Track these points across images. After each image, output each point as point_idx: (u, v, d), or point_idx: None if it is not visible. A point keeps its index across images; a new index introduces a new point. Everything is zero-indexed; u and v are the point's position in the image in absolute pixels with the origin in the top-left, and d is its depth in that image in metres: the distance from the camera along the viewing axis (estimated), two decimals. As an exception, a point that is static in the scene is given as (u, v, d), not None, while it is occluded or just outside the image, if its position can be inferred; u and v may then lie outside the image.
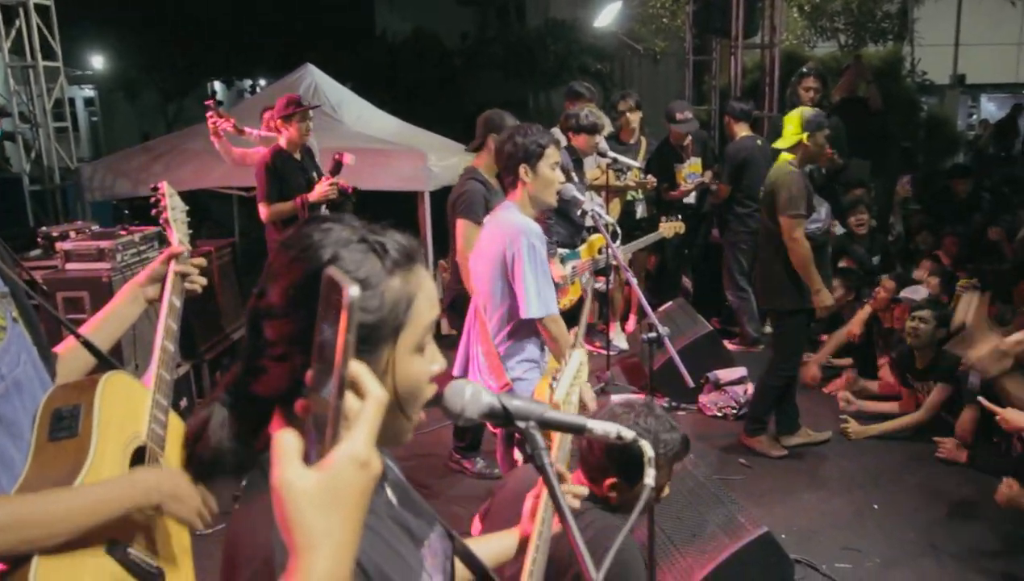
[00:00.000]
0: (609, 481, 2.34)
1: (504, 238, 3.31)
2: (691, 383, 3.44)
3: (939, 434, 5.10)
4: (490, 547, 1.64)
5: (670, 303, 6.57)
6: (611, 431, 1.33)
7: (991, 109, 17.44)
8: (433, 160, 7.22)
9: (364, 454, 0.84)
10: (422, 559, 1.23)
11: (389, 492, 1.25)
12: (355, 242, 1.10)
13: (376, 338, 1.08)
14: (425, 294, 1.14)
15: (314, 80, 7.97)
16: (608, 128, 6.38)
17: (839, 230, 7.05)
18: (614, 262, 4.41)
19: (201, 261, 2.06)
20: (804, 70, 7.20)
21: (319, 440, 0.84)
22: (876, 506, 4.54)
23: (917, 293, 5.95)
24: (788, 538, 3.96)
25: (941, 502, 4.57)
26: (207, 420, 1.13)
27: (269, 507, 0.87)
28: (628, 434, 1.33)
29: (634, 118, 6.75)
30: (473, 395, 1.24)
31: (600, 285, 5.18)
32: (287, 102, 5.37)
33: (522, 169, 3.30)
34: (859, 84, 8.64)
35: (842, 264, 6.89)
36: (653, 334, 3.35)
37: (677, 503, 3.73)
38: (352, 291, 0.81)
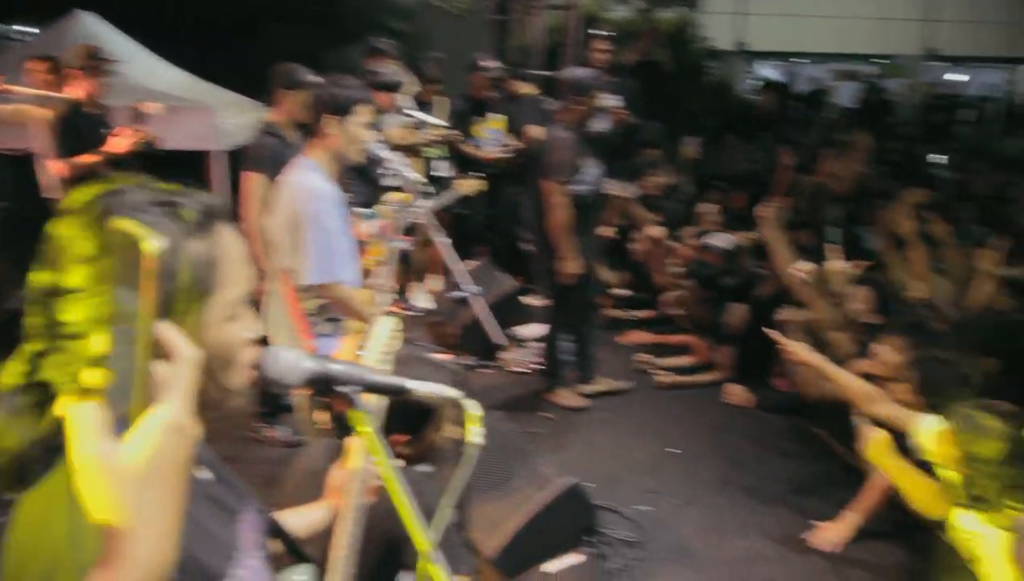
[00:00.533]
0: (400, 438, 2.32)
1: (295, 201, 3.20)
2: (499, 340, 3.44)
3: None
4: (302, 521, 1.58)
5: (473, 262, 6.59)
6: (434, 391, 1.31)
7: (768, 75, 18.66)
8: (225, 117, 6.86)
9: (179, 418, 0.78)
10: (238, 535, 1.16)
11: (203, 469, 1.16)
12: (152, 205, 0.99)
13: (180, 303, 0.97)
14: (232, 257, 1.06)
15: (87, 29, 7.33)
16: (412, 87, 6.28)
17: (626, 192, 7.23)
18: (419, 221, 4.35)
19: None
20: (595, 32, 7.36)
21: (125, 410, 0.77)
22: (672, 450, 4.77)
23: (722, 240, 6.22)
24: (593, 486, 4.09)
25: (731, 442, 4.88)
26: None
27: (58, 493, 0.79)
28: (452, 393, 1.32)
29: (435, 74, 6.71)
30: (293, 361, 1.18)
31: (404, 244, 5.10)
32: (88, 53, 5.00)
33: (332, 121, 3.17)
34: (654, 48, 8.95)
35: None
36: (459, 293, 3.33)
37: (484, 459, 3.75)
38: (153, 247, 0.75)
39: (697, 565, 3.75)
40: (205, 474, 1.16)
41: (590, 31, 7.42)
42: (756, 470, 4.57)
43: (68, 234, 1.00)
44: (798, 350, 3.93)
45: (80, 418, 0.76)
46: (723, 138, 8.90)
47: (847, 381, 3.71)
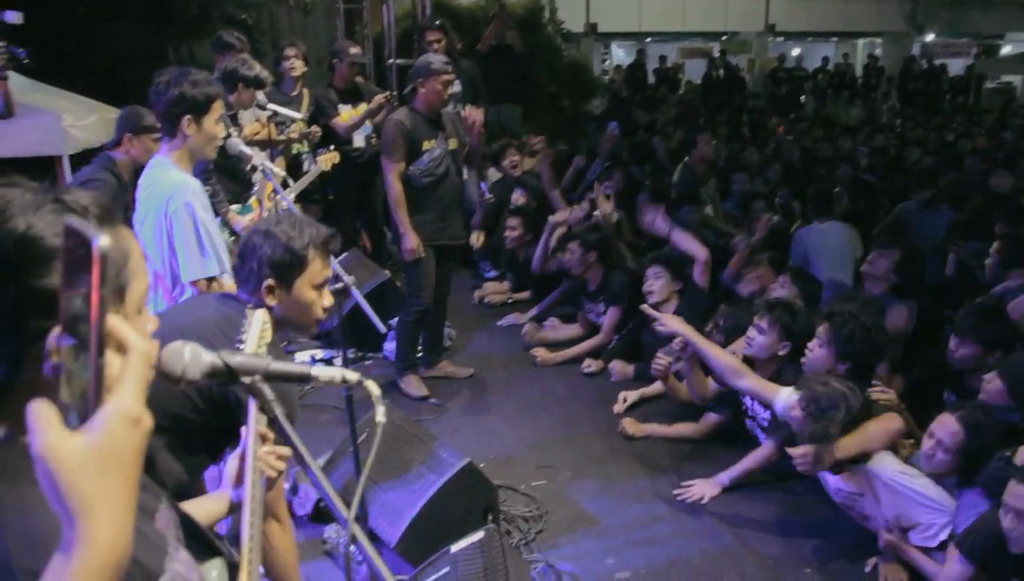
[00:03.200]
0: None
1: (157, 200, 3.08)
2: (382, 328, 3.40)
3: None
4: (204, 510, 1.58)
5: (345, 254, 6.47)
6: (336, 376, 1.34)
7: (620, 55, 19.14)
8: (69, 121, 6.47)
9: (135, 410, 0.78)
10: (162, 533, 1.16)
11: None
12: (49, 204, 0.96)
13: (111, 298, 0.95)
14: (135, 252, 1.05)
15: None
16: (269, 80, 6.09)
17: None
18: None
19: None
20: (424, 24, 7.38)
21: (78, 404, 0.77)
22: (561, 424, 4.85)
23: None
24: (487, 466, 4.09)
25: (614, 414, 4.94)
26: None
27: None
28: (353, 376, 1.36)
29: (299, 66, 6.52)
30: (193, 355, 1.18)
31: None
32: None
33: (185, 121, 3.05)
34: (504, 32, 9.01)
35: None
36: (339, 284, 3.24)
37: (379, 448, 3.70)
38: (102, 241, 0.74)
39: (596, 532, 3.81)
40: None
41: (420, 23, 7.41)
42: (646, 440, 4.66)
43: None
44: (671, 322, 4.08)
45: (37, 410, 0.76)
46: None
47: (715, 354, 3.92)
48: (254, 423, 1.47)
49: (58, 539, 0.75)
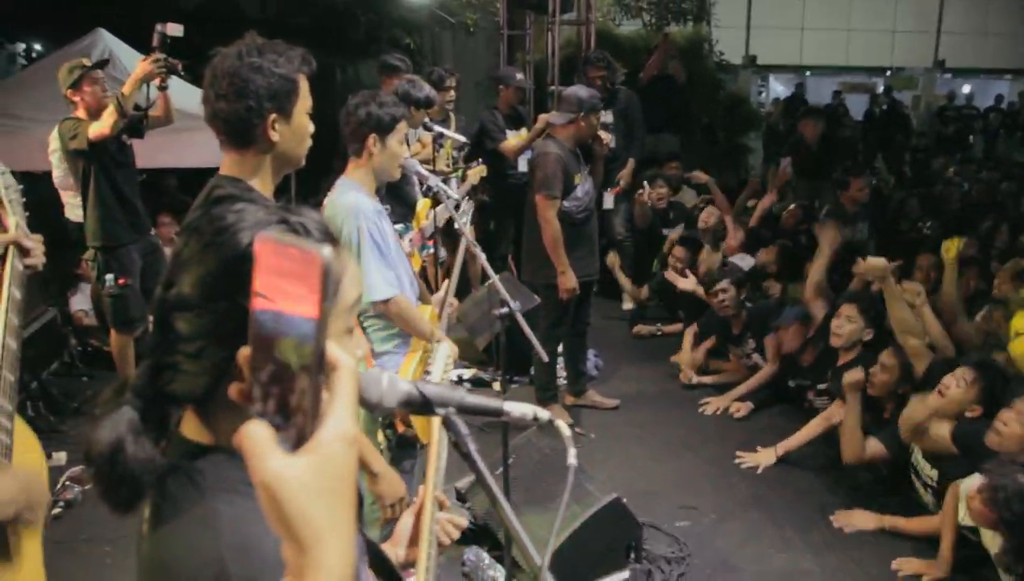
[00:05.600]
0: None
1: (340, 221, 3.13)
2: (546, 357, 3.42)
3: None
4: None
5: (497, 276, 6.55)
6: (528, 413, 1.29)
7: (778, 89, 18.75)
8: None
9: (352, 430, 0.77)
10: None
11: None
12: (275, 223, 1.00)
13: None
14: (349, 273, 1.06)
15: (107, 46, 7.29)
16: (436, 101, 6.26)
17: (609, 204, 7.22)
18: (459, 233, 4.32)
19: (39, 237, 1.82)
20: (589, 58, 7.37)
21: (287, 425, 0.75)
22: (707, 464, 4.77)
23: (744, 261, 6.25)
24: (630, 501, 4.06)
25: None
26: (120, 435, 0.99)
27: (205, 517, 0.82)
28: (544, 415, 1.30)
29: (453, 97, 6.70)
30: (390, 383, 1.18)
31: (430, 249, 5.10)
32: (69, 68, 4.88)
33: (372, 139, 3.15)
34: (667, 62, 8.98)
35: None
36: (505, 309, 3.29)
37: (524, 476, 3.74)
38: (325, 252, 0.72)
39: (740, 579, 3.72)
40: None
41: (585, 56, 7.41)
42: (791, 483, 4.56)
43: (188, 251, 1.01)
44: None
45: (254, 434, 0.74)
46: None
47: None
48: (432, 483, 1.47)
49: (273, 553, 0.75)
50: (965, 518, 3.52)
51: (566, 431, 1.34)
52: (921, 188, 9.70)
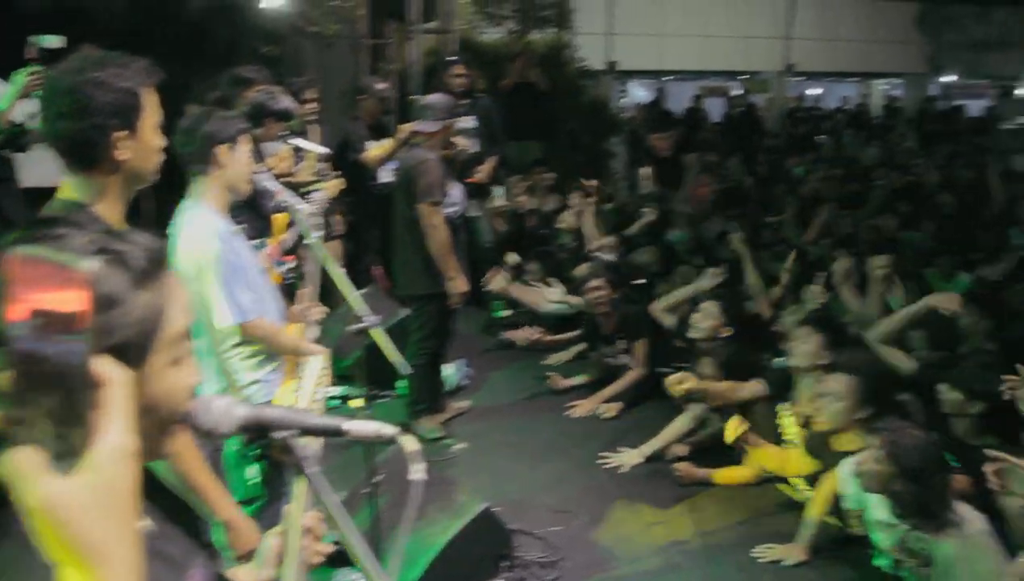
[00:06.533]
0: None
1: (192, 247, 2.99)
2: (406, 369, 3.38)
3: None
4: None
5: (362, 291, 6.45)
6: (371, 430, 1.29)
7: (640, 94, 19.23)
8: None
9: (126, 442, 0.74)
10: None
11: (145, 519, 1.09)
12: (93, 253, 0.93)
13: (127, 357, 0.91)
14: (177, 303, 1.01)
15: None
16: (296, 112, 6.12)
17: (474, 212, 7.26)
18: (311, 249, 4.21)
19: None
20: (450, 59, 7.41)
21: (55, 445, 0.72)
22: (578, 467, 4.81)
23: (607, 255, 6.37)
24: (503, 509, 4.06)
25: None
26: None
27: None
28: (388, 431, 1.30)
29: (312, 108, 6.57)
30: (226, 409, 1.14)
31: (290, 265, 4.97)
32: None
33: (220, 151, 3.01)
34: (528, 69, 9.06)
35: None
36: (363, 324, 3.23)
37: (395, 492, 3.68)
38: (85, 267, 0.73)
39: (615, 579, 3.77)
40: (148, 525, 1.09)
41: (446, 58, 7.46)
42: (653, 479, 4.64)
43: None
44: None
45: (20, 459, 0.71)
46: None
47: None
48: (298, 508, 1.43)
49: None
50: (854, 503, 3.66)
51: (411, 446, 1.36)
52: (776, 185, 10.12)
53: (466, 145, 5.27)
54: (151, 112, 2.09)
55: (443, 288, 4.92)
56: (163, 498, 1.19)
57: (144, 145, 2.08)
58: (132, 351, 0.92)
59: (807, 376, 4.32)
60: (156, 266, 0.98)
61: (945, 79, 23.40)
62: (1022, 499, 3.18)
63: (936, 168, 11.54)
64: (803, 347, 4.36)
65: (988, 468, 3.07)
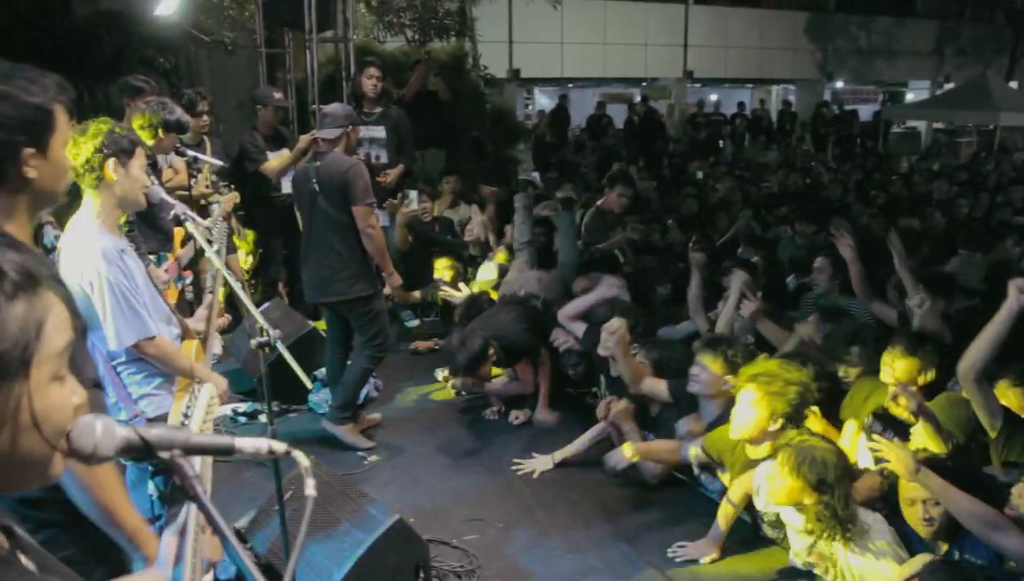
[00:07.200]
0: None
1: (80, 266, 2.87)
2: (310, 384, 3.28)
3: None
4: None
5: (266, 304, 6.31)
6: (262, 447, 1.27)
7: (543, 101, 19.44)
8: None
9: None
10: None
11: (24, 560, 1.07)
12: None
13: (2, 371, 0.93)
14: (54, 318, 1.00)
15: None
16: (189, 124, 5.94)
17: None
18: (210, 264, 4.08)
19: None
20: (366, 60, 7.39)
21: None
22: (492, 475, 4.78)
23: None
24: (417, 521, 3.99)
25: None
26: None
27: None
28: (280, 447, 1.28)
29: (207, 121, 6.40)
30: (105, 430, 1.11)
31: (188, 279, 4.82)
32: None
33: (112, 165, 2.87)
34: (429, 79, 9.01)
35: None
36: (264, 338, 3.11)
37: (304, 506, 3.57)
38: None
39: (530, 585, 3.74)
40: (27, 564, 1.08)
41: (365, 59, 7.42)
42: (569, 484, 4.64)
43: None
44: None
45: None
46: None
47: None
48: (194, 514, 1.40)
49: None
50: (766, 506, 3.73)
51: (304, 462, 1.32)
52: (681, 190, 10.34)
53: (377, 155, 5.26)
54: (62, 131, 1.95)
55: (380, 286, 5.04)
56: (85, 536, 1.19)
57: (54, 165, 1.94)
58: (7, 364, 0.92)
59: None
60: (30, 281, 0.97)
61: (836, 84, 24.39)
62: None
63: (828, 169, 11.98)
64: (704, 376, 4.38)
65: None
